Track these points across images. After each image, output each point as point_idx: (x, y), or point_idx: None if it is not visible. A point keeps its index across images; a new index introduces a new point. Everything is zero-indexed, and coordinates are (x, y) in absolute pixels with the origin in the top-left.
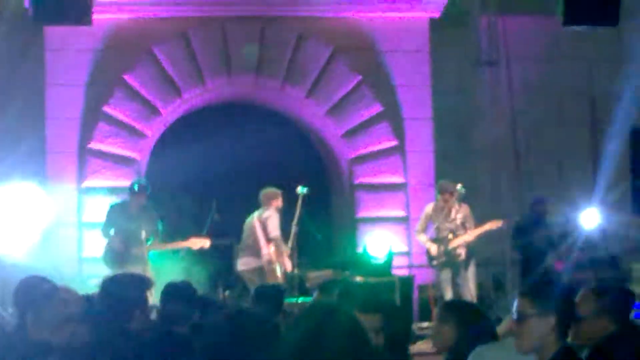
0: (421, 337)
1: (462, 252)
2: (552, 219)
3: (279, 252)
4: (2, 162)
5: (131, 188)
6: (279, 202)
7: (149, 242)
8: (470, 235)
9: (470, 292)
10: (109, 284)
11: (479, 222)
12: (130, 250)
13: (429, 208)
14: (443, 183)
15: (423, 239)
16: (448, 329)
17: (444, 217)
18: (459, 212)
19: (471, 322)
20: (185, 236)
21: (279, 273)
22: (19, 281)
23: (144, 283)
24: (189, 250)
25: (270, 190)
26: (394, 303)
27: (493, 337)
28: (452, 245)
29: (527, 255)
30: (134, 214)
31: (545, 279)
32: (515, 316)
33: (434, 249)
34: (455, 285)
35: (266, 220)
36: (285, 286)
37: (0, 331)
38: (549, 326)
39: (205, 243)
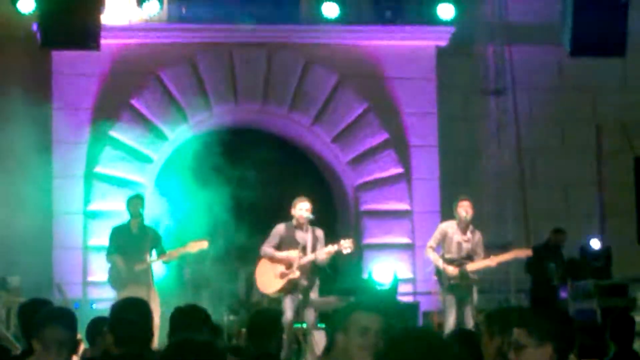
0: None
1: (475, 277)
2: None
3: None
4: (10, 185)
5: (127, 201)
6: (294, 209)
7: (152, 259)
8: (493, 261)
9: (473, 318)
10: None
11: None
12: (133, 271)
13: (445, 225)
14: (461, 195)
15: (434, 256)
16: None
17: (460, 232)
18: (473, 235)
19: None
20: (188, 259)
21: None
22: (20, 305)
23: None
24: (194, 274)
25: None
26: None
27: None
28: (470, 268)
29: (537, 281)
30: (136, 235)
31: (544, 308)
32: (512, 346)
33: (451, 269)
34: (459, 311)
35: None
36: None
37: (7, 356)
38: (546, 355)
39: (203, 245)
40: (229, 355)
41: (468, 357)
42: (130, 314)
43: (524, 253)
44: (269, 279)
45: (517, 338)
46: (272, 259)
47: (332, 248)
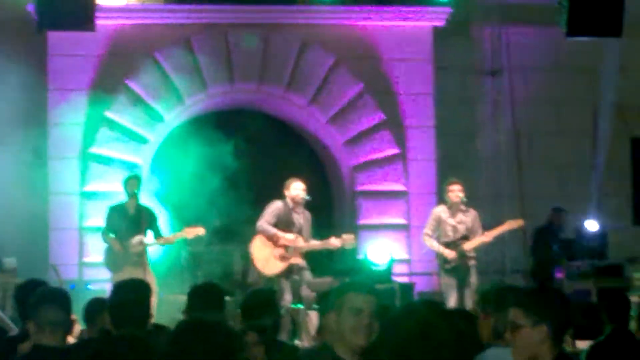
0: None
1: (473, 256)
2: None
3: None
4: (5, 166)
5: (124, 181)
6: (288, 190)
7: (148, 242)
8: (488, 236)
9: (472, 300)
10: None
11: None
12: (129, 251)
13: (438, 210)
14: (450, 178)
15: (431, 242)
16: None
17: (453, 214)
18: (467, 215)
19: None
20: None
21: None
22: (16, 286)
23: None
24: (190, 256)
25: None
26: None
27: None
28: (467, 247)
29: (540, 262)
30: (132, 215)
31: (540, 288)
32: (509, 326)
33: (448, 252)
34: (459, 293)
35: None
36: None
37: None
38: (543, 335)
39: (199, 231)
40: (250, 333)
41: (465, 336)
42: (129, 295)
43: (517, 224)
44: (269, 259)
45: (514, 318)
46: (271, 237)
47: (336, 242)
